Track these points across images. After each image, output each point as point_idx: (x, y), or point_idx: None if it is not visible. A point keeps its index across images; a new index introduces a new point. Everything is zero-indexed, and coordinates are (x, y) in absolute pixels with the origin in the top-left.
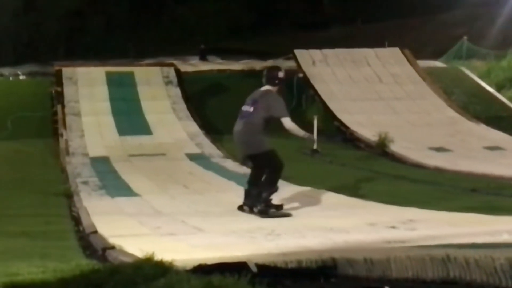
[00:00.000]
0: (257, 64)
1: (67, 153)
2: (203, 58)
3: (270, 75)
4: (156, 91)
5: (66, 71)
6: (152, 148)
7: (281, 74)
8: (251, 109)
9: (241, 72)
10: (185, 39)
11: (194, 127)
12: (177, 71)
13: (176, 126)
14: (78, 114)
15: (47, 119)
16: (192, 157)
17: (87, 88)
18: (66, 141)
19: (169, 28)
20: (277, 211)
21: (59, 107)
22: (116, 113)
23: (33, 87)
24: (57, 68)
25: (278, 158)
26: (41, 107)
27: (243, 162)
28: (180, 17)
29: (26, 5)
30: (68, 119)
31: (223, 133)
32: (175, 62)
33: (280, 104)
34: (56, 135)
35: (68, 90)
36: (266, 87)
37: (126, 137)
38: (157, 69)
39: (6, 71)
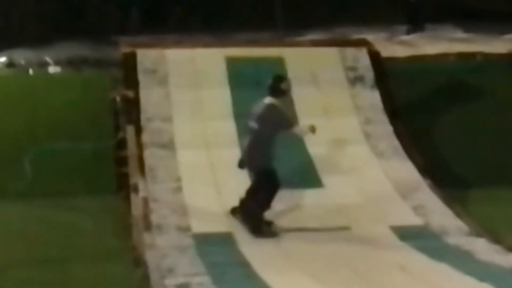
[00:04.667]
0: None
1: (148, 226)
2: (416, 28)
3: (272, 86)
4: (331, 96)
5: (145, 56)
6: (322, 215)
7: (284, 86)
8: (256, 126)
9: (509, 59)
10: None
11: (409, 171)
12: (375, 56)
13: (373, 169)
14: (170, 146)
15: (104, 156)
16: (405, 233)
17: (188, 92)
18: (146, 200)
19: None
20: (269, 229)
21: (130, 131)
22: None
23: (76, 89)
24: (125, 50)
25: (275, 179)
26: (91, 131)
27: (239, 166)
28: None
29: None
30: (150, 155)
31: (470, 184)
32: (369, 38)
33: (281, 118)
34: (123, 188)
35: (149, 96)
36: (269, 100)
37: None
38: (332, 52)
39: (21, 56)
